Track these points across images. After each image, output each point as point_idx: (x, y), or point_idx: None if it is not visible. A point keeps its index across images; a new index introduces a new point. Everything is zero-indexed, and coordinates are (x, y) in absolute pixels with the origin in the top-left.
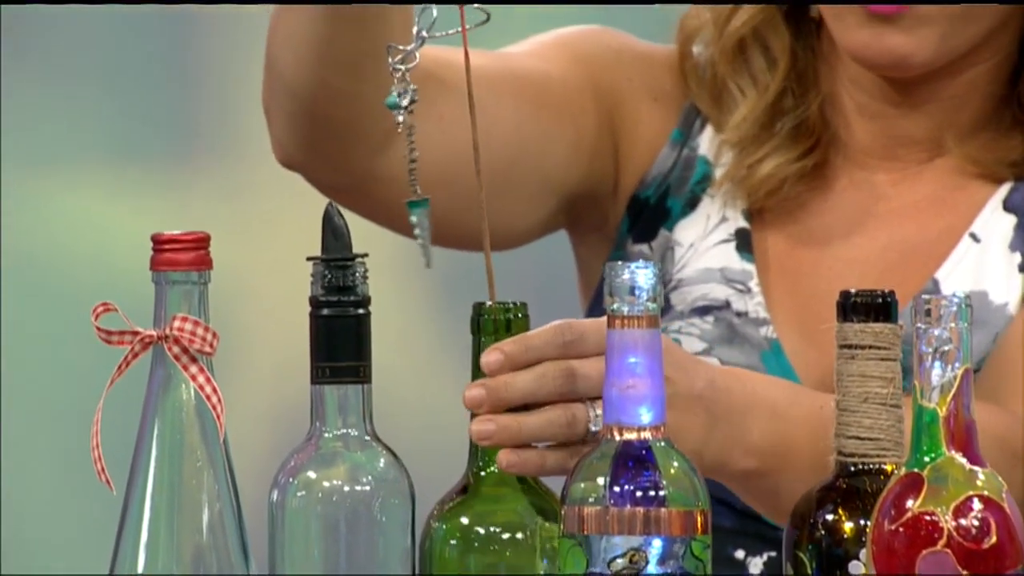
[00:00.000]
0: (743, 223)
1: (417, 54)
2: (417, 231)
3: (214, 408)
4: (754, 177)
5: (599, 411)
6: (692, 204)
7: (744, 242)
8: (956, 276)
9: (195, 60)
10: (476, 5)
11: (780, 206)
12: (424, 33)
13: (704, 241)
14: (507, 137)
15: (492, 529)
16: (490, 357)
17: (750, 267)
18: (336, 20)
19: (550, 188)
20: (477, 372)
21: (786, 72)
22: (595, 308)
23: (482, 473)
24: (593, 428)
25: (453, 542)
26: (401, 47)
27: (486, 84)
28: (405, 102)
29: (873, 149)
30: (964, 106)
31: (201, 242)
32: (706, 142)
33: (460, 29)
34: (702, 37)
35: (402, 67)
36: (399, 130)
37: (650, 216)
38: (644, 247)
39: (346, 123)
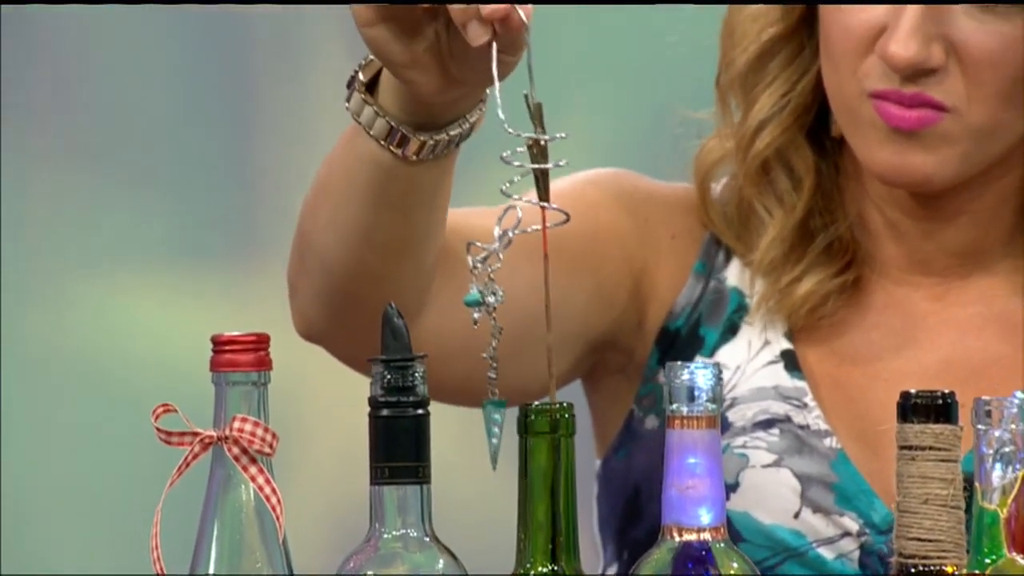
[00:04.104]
0: (786, 344)
1: (500, 254)
2: (495, 430)
3: (273, 509)
4: (793, 296)
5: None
6: (732, 331)
7: (791, 362)
8: None
9: (253, 161)
10: (556, 206)
11: (819, 325)
12: (511, 234)
13: (751, 364)
14: (524, 299)
15: None
16: None
17: (802, 384)
18: (381, 207)
19: (572, 340)
20: (524, 473)
21: (812, 191)
22: (610, 460)
23: (531, 574)
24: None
25: None
26: (482, 245)
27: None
28: (491, 300)
29: (908, 264)
30: (997, 218)
31: (261, 343)
32: (734, 275)
33: (540, 228)
34: (719, 172)
35: (481, 265)
36: (475, 326)
37: (683, 346)
38: None
39: (378, 301)
